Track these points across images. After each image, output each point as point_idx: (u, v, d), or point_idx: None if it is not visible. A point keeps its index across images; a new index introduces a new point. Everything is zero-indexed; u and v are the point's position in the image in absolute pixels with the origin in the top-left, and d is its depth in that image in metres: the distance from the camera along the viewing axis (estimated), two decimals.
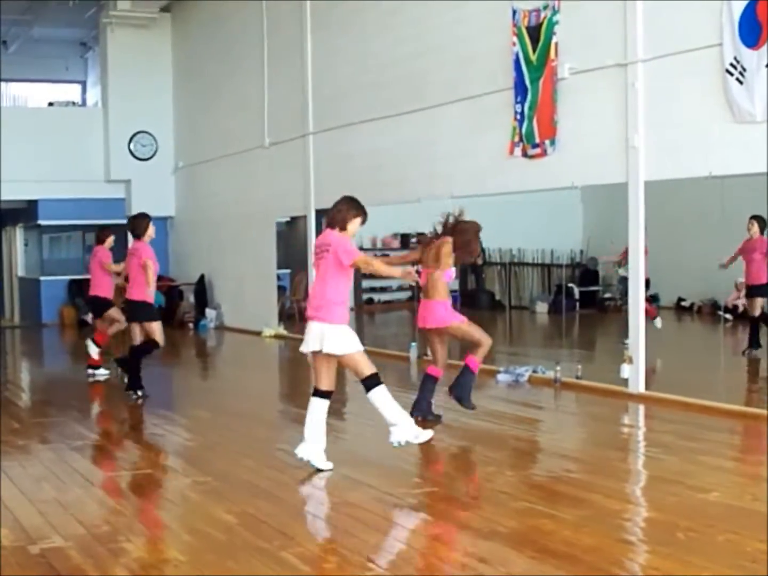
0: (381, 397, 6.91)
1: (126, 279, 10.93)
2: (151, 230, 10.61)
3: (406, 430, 6.96)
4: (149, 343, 10.49)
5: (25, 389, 12.69)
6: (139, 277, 10.40)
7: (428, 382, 8.72)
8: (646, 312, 12.43)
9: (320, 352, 6.88)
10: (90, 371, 12.20)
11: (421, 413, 8.49)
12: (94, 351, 12.13)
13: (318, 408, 6.96)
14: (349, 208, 7.04)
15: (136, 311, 10.56)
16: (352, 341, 6.88)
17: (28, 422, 9.59)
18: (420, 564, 4.89)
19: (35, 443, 8.41)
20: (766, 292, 11.54)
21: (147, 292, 10.44)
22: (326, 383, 6.99)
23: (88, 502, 6.30)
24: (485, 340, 8.58)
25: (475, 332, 8.61)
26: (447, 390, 8.79)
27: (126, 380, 10.71)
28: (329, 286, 6.87)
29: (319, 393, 6.99)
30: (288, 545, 5.22)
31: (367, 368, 6.90)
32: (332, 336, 6.80)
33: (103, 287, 12.12)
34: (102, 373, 12.19)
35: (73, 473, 7.12)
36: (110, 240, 12.37)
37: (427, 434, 7.09)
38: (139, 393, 10.45)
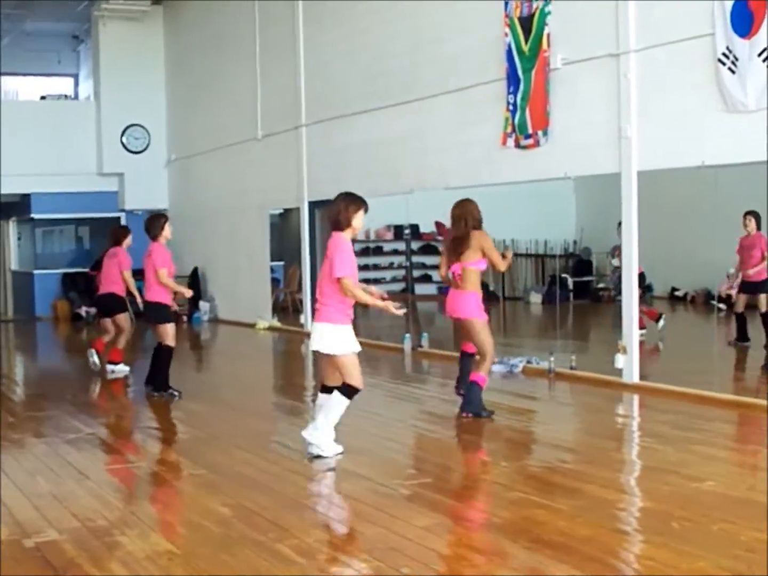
0: (337, 404, 6.84)
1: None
2: (167, 231, 10.17)
3: (322, 440, 6.89)
4: (162, 349, 10.15)
5: (19, 383, 12.65)
6: (154, 279, 10.08)
7: (465, 358, 8.97)
8: (648, 314, 12.38)
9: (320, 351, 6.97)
10: (109, 367, 11.82)
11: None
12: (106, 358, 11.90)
13: (323, 400, 7.06)
14: (348, 204, 6.95)
15: (150, 312, 10.37)
16: (346, 343, 6.85)
17: (23, 416, 9.56)
18: (414, 555, 4.89)
19: (29, 437, 8.38)
20: (766, 288, 11.30)
21: (162, 293, 10.11)
22: (331, 380, 7.03)
23: (82, 496, 6.28)
24: (489, 355, 8.42)
25: (486, 341, 8.42)
26: (458, 413, 8.46)
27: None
28: (327, 288, 6.89)
29: (324, 389, 7.11)
30: (283, 537, 5.22)
31: (354, 379, 6.83)
32: (328, 336, 6.84)
33: (117, 283, 11.75)
34: (122, 370, 11.83)
35: (68, 467, 7.11)
36: (128, 240, 11.95)
37: (335, 449, 6.95)
38: (173, 393, 10.07)
